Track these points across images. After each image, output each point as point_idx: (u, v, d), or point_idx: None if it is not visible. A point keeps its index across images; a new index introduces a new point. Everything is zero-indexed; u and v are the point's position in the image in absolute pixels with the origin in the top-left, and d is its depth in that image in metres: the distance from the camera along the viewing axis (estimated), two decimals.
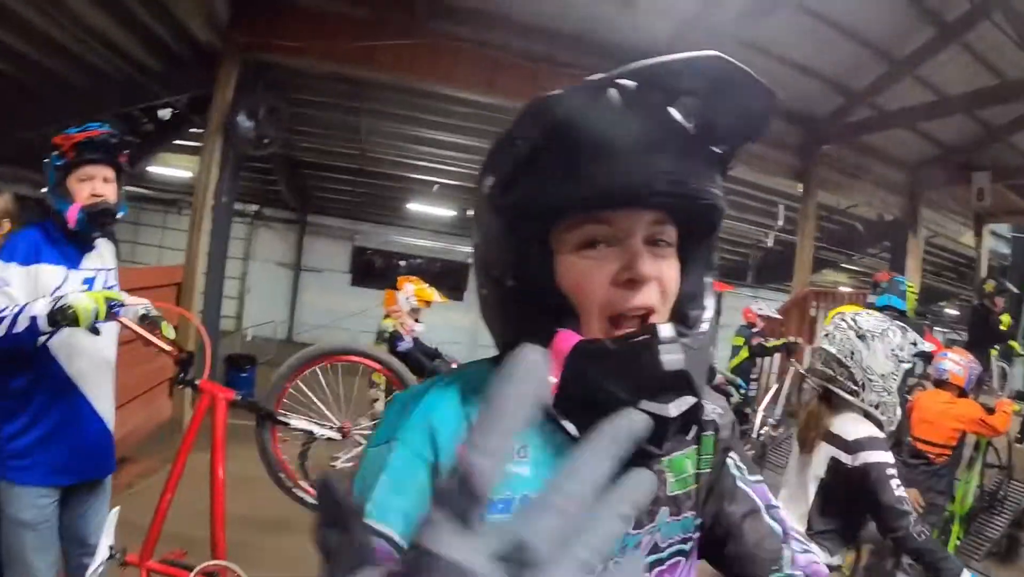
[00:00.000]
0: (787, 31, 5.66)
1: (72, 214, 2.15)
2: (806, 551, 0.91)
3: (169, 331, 2.45)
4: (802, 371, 6.15)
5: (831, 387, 2.25)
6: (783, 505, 2.30)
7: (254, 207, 14.87)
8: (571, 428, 0.72)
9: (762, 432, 6.27)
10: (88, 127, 2.20)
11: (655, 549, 0.82)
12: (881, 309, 4.70)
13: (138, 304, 2.45)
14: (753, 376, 6.64)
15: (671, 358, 0.67)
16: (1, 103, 7.95)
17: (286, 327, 15.53)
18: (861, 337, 2.21)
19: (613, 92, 0.63)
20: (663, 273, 0.71)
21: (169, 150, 10.61)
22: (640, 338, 0.68)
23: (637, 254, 0.69)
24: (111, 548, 2.17)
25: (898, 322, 2.33)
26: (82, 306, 1.93)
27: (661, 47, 6.11)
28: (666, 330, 0.68)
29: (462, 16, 6.03)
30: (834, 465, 2.20)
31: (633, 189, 0.67)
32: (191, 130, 8.42)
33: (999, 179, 7.66)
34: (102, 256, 2.34)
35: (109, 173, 2.22)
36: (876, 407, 2.20)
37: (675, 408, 0.68)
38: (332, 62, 6.17)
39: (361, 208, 14.48)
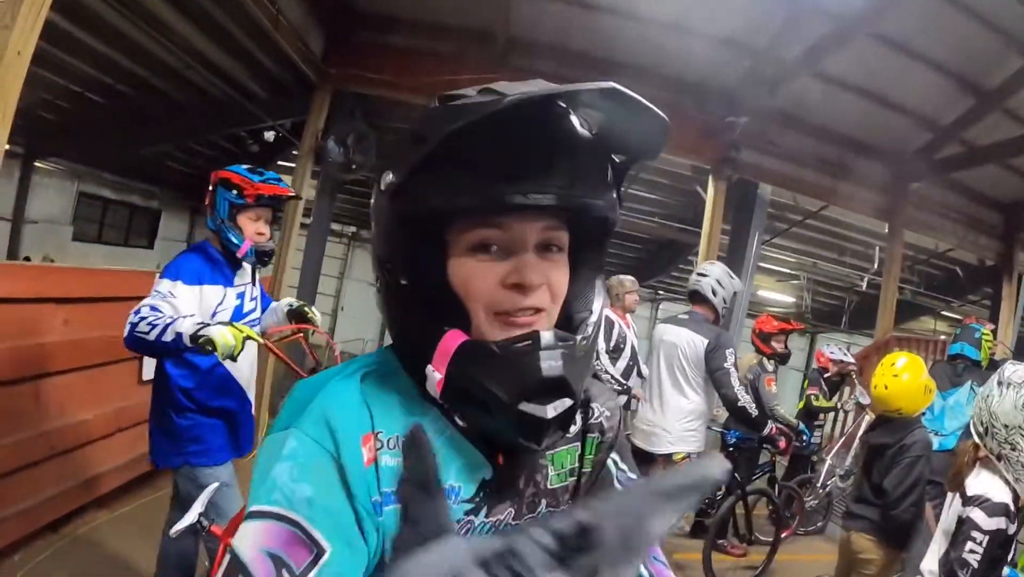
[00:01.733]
0: (865, 63, 5.44)
1: (244, 249, 2.59)
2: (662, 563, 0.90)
3: (315, 315, 2.89)
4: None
5: (971, 426, 2.16)
6: (931, 550, 2.23)
7: (352, 228, 15.67)
8: (459, 421, 0.77)
9: (828, 483, 5.96)
10: (268, 179, 2.60)
11: None
12: (953, 358, 4.42)
13: (282, 302, 2.92)
14: (819, 422, 6.30)
15: (550, 364, 0.70)
16: (124, 122, 8.95)
17: (375, 345, 16.15)
18: (999, 383, 2.09)
19: (515, 107, 0.64)
20: (551, 278, 0.74)
21: (273, 170, 11.44)
22: (523, 344, 0.71)
23: (526, 264, 0.71)
24: (201, 515, 2.38)
25: None
26: (222, 342, 2.18)
27: (735, 82, 6.09)
28: (547, 337, 0.70)
29: (538, 51, 6.20)
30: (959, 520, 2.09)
31: (525, 199, 0.68)
32: (294, 152, 9.00)
33: None
34: (247, 272, 2.76)
35: (270, 216, 2.67)
36: (999, 459, 2.05)
37: (552, 410, 0.71)
38: (417, 94, 6.50)
39: None
